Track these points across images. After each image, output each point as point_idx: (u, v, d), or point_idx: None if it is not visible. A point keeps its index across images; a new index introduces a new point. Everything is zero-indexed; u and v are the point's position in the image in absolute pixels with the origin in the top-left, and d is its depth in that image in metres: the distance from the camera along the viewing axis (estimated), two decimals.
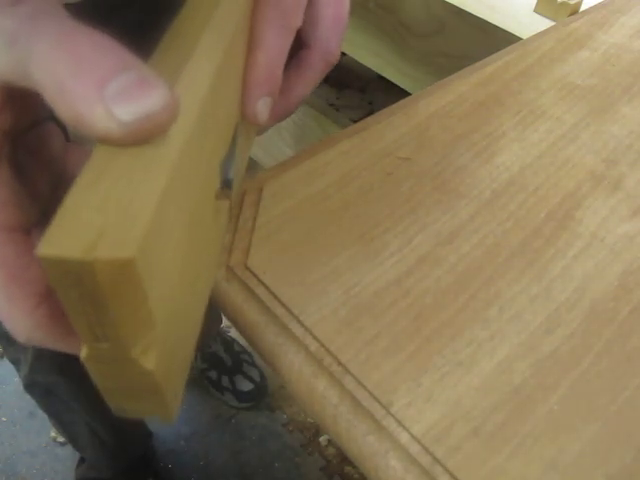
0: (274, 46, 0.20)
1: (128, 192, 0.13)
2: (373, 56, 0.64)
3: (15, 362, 0.69)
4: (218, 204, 0.21)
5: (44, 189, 0.19)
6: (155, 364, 0.15)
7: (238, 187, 0.24)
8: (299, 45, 0.24)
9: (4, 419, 0.99)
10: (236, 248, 0.24)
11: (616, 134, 0.32)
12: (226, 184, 0.21)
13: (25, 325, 0.17)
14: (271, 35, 0.20)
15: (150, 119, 0.13)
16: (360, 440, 0.20)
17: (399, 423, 0.19)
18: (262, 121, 0.21)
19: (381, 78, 0.68)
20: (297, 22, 0.21)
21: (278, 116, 0.24)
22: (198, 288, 0.19)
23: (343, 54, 0.73)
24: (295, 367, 0.21)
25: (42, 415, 0.79)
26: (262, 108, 0.21)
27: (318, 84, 0.25)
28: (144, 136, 0.13)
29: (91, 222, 0.12)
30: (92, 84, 0.13)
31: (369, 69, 0.66)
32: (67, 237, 0.12)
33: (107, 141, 0.13)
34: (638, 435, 0.20)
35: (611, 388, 0.21)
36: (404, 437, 0.19)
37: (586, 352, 0.22)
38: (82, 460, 0.91)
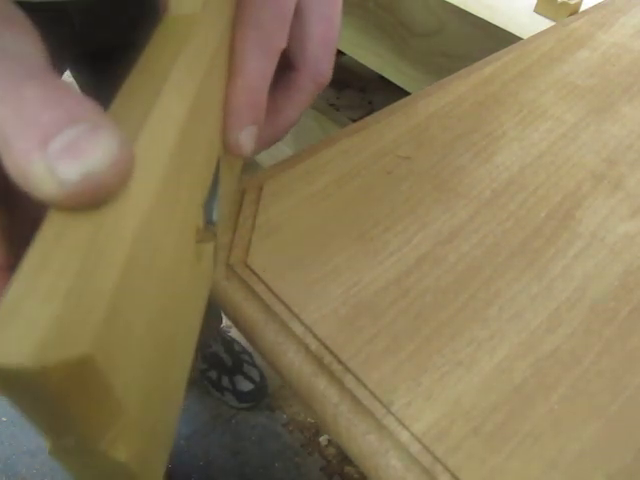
0: (256, 70, 0.19)
1: (82, 275, 0.11)
2: (373, 56, 0.64)
3: None
4: (201, 247, 0.19)
5: (29, 232, 0.18)
6: (127, 455, 0.13)
7: (224, 226, 0.23)
8: (287, 66, 0.23)
9: (4, 419, 0.99)
10: (236, 246, 0.24)
11: (616, 134, 0.32)
12: (210, 223, 0.20)
13: None
14: (252, 59, 0.19)
15: (94, 179, 0.11)
16: (360, 439, 0.20)
17: (399, 422, 0.19)
18: (247, 152, 0.20)
19: (381, 78, 0.68)
20: (281, 43, 0.20)
21: (266, 142, 0.23)
22: (178, 354, 0.18)
23: (343, 54, 0.73)
24: (295, 366, 0.21)
25: None
26: (246, 138, 0.19)
27: (308, 107, 0.23)
28: (90, 199, 0.12)
29: (37, 317, 0.10)
30: (34, 139, 0.12)
31: (369, 69, 0.66)
32: (9, 340, 0.10)
33: (52, 204, 0.12)
34: (638, 435, 0.20)
35: (611, 388, 0.21)
36: (404, 436, 0.19)
37: (586, 352, 0.22)
38: None
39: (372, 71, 0.66)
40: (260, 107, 0.19)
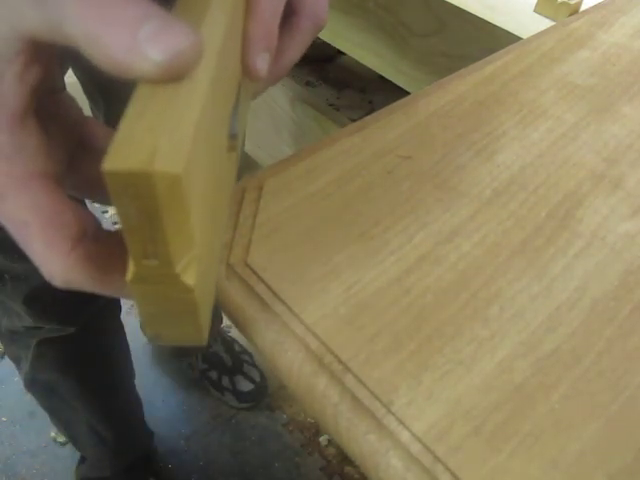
0: (270, 6, 0.22)
1: (172, 119, 0.14)
2: (373, 56, 0.64)
3: (16, 360, 0.69)
4: (229, 155, 0.23)
5: (64, 154, 0.20)
6: (195, 281, 0.16)
7: (242, 144, 0.26)
8: (289, 13, 0.26)
9: (4, 419, 0.99)
10: (236, 246, 0.24)
11: (616, 133, 0.32)
12: (232, 136, 0.23)
13: (62, 267, 0.18)
14: None
15: (180, 57, 0.15)
16: (360, 439, 0.20)
17: (400, 422, 0.19)
18: (262, 74, 0.23)
19: (381, 78, 0.68)
20: None
21: (273, 77, 0.26)
22: (218, 223, 0.21)
23: (343, 54, 0.73)
24: (295, 365, 0.21)
25: (42, 415, 0.79)
26: (261, 63, 0.22)
27: (307, 47, 0.27)
28: (176, 73, 0.15)
29: (146, 141, 0.14)
30: (125, 32, 0.14)
31: (369, 69, 0.66)
32: (128, 153, 0.14)
33: (145, 80, 0.15)
34: (639, 434, 0.20)
35: (612, 387, 0.21)
36: (405, 436, 0.19)
37: (587, 351, 0.22)
38: (82, 460, 0.91)
39: (372, 71, 0.66)
40: (273, 36, 0.22)
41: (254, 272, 0.23)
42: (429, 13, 0.55)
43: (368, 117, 0.31)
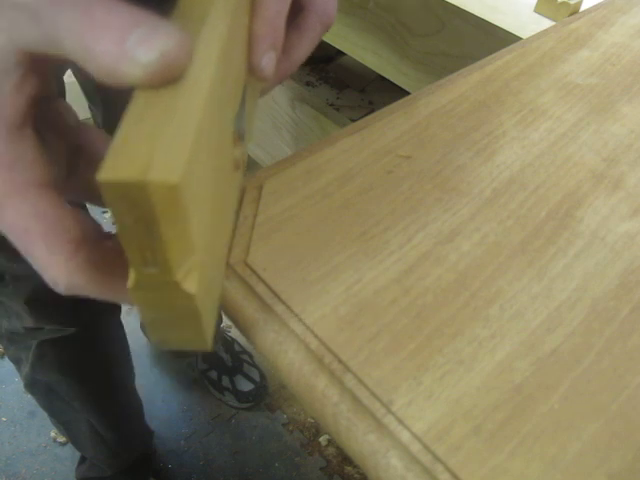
0: (276, 4, 0.22)
1: (170, 126, 0.14)
2: (373, 56, 0.64)
3: (16, 361, 0.69)
4: (235, 154, 0.23)
5: (61, 161, 0.20)
6: (196, 288, 0.16)
7: (249, 141, 0.26)
8: (297, 10, 0.26)
9: (4, 419, 0.99)
10: (236, 245, 0.24)
11: (616, 133, 0.32)
12: (239, 135, 0.23)
13: (65, 272, 0.18)
14: None
15: (166, 57, 0.15)
16: (360, 439, 0.20)
17: (400, 422, 0.19)
18: (268, 75, 0.22)
19: (381, 78, 0.68)
20: None
21: (280, 75, 0.25)
22: (222, 226, 0.21)
23: (343, 54, 0.73)
24: (295, 365, 0.21)
25: (42, 415, 0.79)
26: (267, 62, 0.22)
27: (316, 44, 0.27)
28: (166, 74, 0.15)
29: (142, 150, 0.14)
30: (113, 39, 0.15)
31: (369, 69, 0.66)
32: (123, 163, 0.13)
33: (137, 85, 0.15)
34: (639, 434, 0.20)
35: (612, 387, 0.21)
36: (405, 436, 0.19)
37: (587, 351, 0.22)
38: (83, 459, 0.91)
39: (372, 71, 0.66)
40: (279, 35, 0.22)
41: (254, 272, 0.23)
42: (429, 13, 0.55)
43: (368, 117, 0.31)
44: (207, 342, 0.18)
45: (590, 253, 0.25)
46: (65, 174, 0.21)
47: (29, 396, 0.74)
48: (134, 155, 0.14)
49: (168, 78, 0.15)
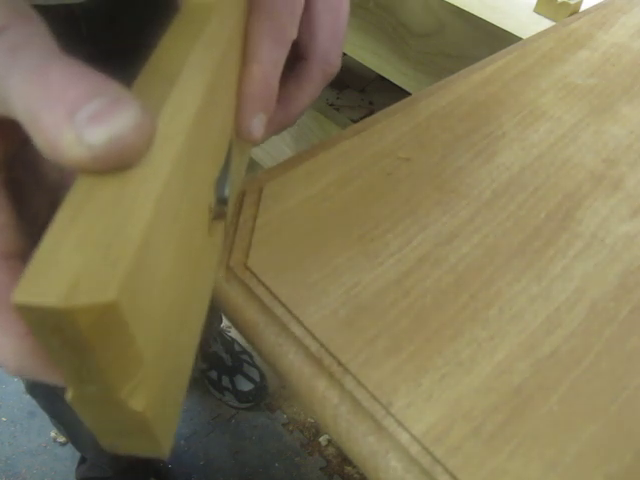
0: (269, 59, 0.20)
1: (110, 228, 0.12)
2: (373, 56, 0.64)
3: None
4: (212, 224, 0.20)
5: (43, 210, 0.19)
6: (144, 405, 0.14)
7: (234, 205, 0.24)
8: (297, 57, 0.23)
9: (4, 419, 0.99)
10: (236, 248, 0.24)
11: (616, 134, 0.32)
12: (221, 202, 0.21)
13: (15, 353, 0.16)
14: (266, 48, 0.20)
15: (120, 141, 0.13)
16: (360, 440, 0.20)
17: (399, 423, 0.19)
18: (256, 138, 0.21)
19: (381, 78, 0.68)
20: (292, 34, 0.21)
21: (277, 128, 0.24)
22: (191, 317, 0.19)
23: (343, 54, 0.73)
24: (295, 367, 0.21)
25: (42, 415, 0.79)
26: (257, 125, 0.20)
27: (318, 95, 0.24)
28: (117, 160, 0.13)
29: (69, 264, 0.11)
30: (62, 112, 0.13)
31: (369, 69, 0.66)
32: (43, 282, 0.11)
33: (81, 168, 0.13)
34: (638, 435, 0.20)
35: (611, 388, 0.21)
36: (404, 437, 0.19)
37: (586, 352, 0.22)
38: (83, 460, 0.91)
39: (372, 71, 0.66)
40: (271, 96, 0.20)
41: (254, 274, 0.23)
42: (429, 13, 0.55)
43: (368, 119, 0.31)
44: (163, 450, 0.17)
45: (589, 254, 0.25)
46: (48, 218, 0.19)
47: (29, 396, 0.74)
48: (58, 270, 0.11)
49: (118, 165, 0.13)
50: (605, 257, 0.25)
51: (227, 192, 0.21)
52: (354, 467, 0.95)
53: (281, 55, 0.20)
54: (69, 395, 0.14)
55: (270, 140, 0.88)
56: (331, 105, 0.76)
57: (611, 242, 0.26)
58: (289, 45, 0.21)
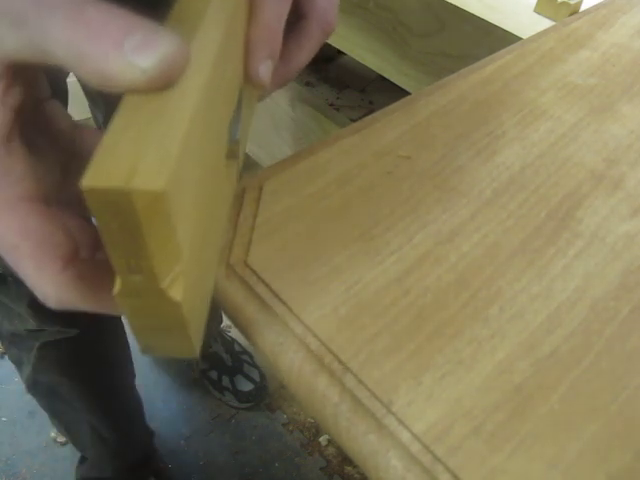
0: (274, 10, 0.22)
1: (157, 133, 0.14)
2: (373, 56, 0.64)
3: (18, 363, 0.69)
4: (228, 163, 0.22)
5: (55, 166, 0.20)
6: (182, 296, 0.16)
7: (244, 149, 0.26)
8: (297, 17, 0.25)
9: (4, 419, 0.99)
10: (236, 246, 0.24)
11: (616, 134, 0.32)
12: (233, 142, 0.23)
13: (55, 287, 0.18)
14: (270, 2, 0.22)
15: (167, 63, 0.15)
16: (360, 439, 0.20)
17: (400, 422, 0.19)
18: (264, 82, 0.22)
19: (381, 78, 0.68)
20: None
21: (279, 82, 0.25)
22: (212, 239, 0.21)
23: (343, 54, 0.73)
24: (295, 366, 0.21)
25: (42, 415, 0.79)
26: (264, 70, 0.22)
27: (315, 53, 0.26)
28: (165, 80, 0.15)
29: (127, 157, 0.14)
30: (109, 43, 0.14)
31: (369, 69, 0.66)
32: (107, 170, 0.13)
33: (134, 90, 0.15)
34: (639, 434, 0.20)
35: (612, 387, 0.21)
36: (405, 436, 0.19)
37: (587, 351, 0.22)
38: (83, 459, 0.91)
39: (372, 71, 0.66)
40: (277, 42, 0.22)
41: (254, 272, 0.23)
42: (429, 13, 0.55)
43: (368, 117, 0.31)
44: (194, 350, 0.18)
45: (590, 253, 0.25)
46: (60, 178, 0.20)
47: (29, 396, 0.74)
48: (118, 161, 0.13)
49: (167, 83, 0.15)
50: (605, 256, 0.25)
51: (239, 135, 0.23)
52: (354, 467, 0.95)
53: (284, 8, 0.22)
54: (116, 288, 0.16)
55: (270, 140, 0.88)
56: (331, 105, 0.76)
57: (611, 241, 0.26)
58: (291, 0, 0.23)
